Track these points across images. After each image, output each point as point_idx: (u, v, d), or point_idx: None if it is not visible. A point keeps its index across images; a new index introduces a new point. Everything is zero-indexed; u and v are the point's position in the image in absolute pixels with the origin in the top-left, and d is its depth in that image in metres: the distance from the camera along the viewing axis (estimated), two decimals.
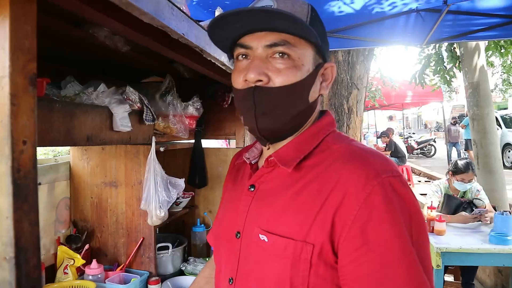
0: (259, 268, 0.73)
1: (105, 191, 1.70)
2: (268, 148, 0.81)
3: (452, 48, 5.55)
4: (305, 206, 0.70)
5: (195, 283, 1.05)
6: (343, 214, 0.65)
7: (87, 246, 1.68)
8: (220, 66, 1.28)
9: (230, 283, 0.79)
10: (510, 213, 2.96)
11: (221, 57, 1.23)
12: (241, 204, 0.81)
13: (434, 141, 14.57)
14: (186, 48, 1.18)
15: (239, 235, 0.79)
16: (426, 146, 14.56)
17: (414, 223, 0.65)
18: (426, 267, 0.64)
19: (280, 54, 0.71)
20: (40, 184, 1.54)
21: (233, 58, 0.80)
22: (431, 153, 14.57)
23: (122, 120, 1.24)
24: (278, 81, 0.71)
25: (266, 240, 0.72)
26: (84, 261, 1.57)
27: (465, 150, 11.24)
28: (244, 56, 0.75)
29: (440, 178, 3.91)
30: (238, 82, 0.74)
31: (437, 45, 5.70)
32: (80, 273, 1.61)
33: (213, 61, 1.20)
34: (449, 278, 3.81)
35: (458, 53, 5.36)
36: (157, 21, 0.78)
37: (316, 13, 0.76)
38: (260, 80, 0.70)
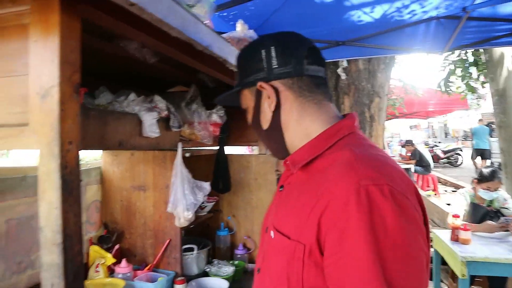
0: (269, 262, 0.82)
1: (134, 194, 1.80)
2: None
3: (477, 54, 5.48)
4: (303, 207, 0.75)
5: None
6: (327, 219, 0.68)
7: (117, 246, 1.77)
8: None
9: (258, 272, 0.89)
10: None
11: None
12: (273, 203, 0.92)
13: (461, 150, 14.22)
14: (210, 59, 1.26)
15: (267, 230, 0.88)
16: (453, 155, 14.21)
17: (388, 235, 0.63)
18: (394, 279, 0.62)
19: None
20: (81, 181, 1.66)
21: None
22: (458, 163, 14.21)
23: (150, 127, 1.33)
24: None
25: (273, 237, 0.80)
26: (114, 260, 1.66)
27: (471, 158, 11.23)
28: None
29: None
30: None
31: (464, 52, 5.64)
32: (110, 272, 1.70)
33: (235, 70, 1.27)
34: None
35: (483, 60, 5.29)
36: (183, 35, 0.86)
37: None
38: None
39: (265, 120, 0.87)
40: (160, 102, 1.42)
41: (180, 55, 1.14)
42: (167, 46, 1.03)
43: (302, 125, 0.84)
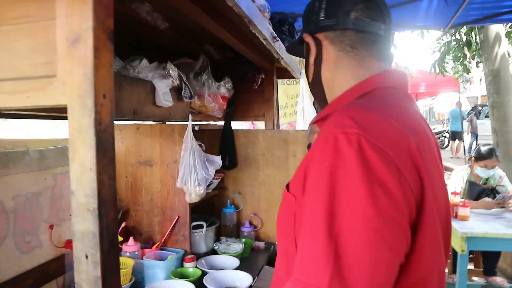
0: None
1: (140, 170, 1.72)
2: None
3: (471, 34, 5.47)
4: (302, 161, 0.74)
5: None
6: (308, 168, 0.67)
7: (123, 224, 1.70)
8: (262, 40, 1.28)
9: None
10: None
11: (264, 30, 1.23)
12: None
13: (448, 133, 14.41)
14: (229, 22, 1.18)
15: None
16: (440, 137, 14.39)
17: (345, 188, 0.58)
18: (341, 237, 0.56)
19: None
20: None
21: None
22: (444, 145, 14.41)
23: (164, 95, 1.25)
24: None
25: (280, 192, 0.80)
26: (121, 238, 1.60)
27: (452, 140, 11.67)
28: None
29: (453, 169, 3.88)
30: None
31: (457, 32, 5.62)
32: None
33: (257, 34, 1.20)
34: (469, 266, 3.79)
35: (478, 40, 5.28)
36: None
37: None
38: None
39: (309, 72, 0.86)
40: (172, 70, 1.33)
41: (201, 15, 1.05)
42: (190, 1, 0.94)
43: (336, 80, 0.81)
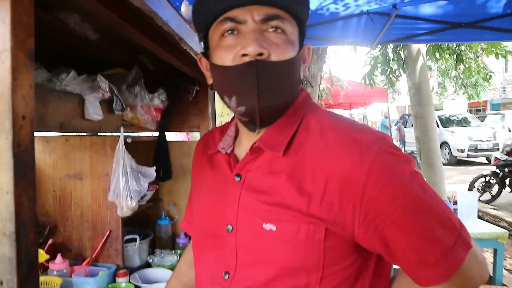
0: (268, 257, 0.70)
1: (69, 184, 1.65)
2: (258, 133, 0.76)
3: (397, 50, 5.93)
4: (307, 189, 0.67)
5: (178, 269, 1.06)
6: (349, 194, 0.64)
7: (50, 241, 1.62)
8: (194, 56, 1.30)
9: (226, 277, 0.74)
10: (449, 202, 3.26)
11: (195, 46, 1.25)
12: (228, 196, 0.76)
13: None
14: (161, 37, 1.19)
15: (231, 228, 0.74)
16: None
17: (416, 175, 0.67)
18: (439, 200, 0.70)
19: (274, 29, 0.69)
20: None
21: (205, 38, 0.79)
22: None
23: (94, 109, 1.23)
24: (276, 55, 0.68)
25: (275, 228, 0.69)
26: (48, 256, 1.52)
27: None
28: (230, 32, 0.70)
29: None
30: (229, 59, 0.69)
31: (384, 47, 6.06)
32: (43, 269, 1.55)
33: (188, 50, 1.22)
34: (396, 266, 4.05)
35: (402, 56, 5.74)
36: (146, 6, 0.80)
37: None
38: (261, 54, 0.66)
39: (300, 73, 0.82)
40: (103, 82, 1.31)
41: (133, 32, 1.05)
42: (123, 20, 0.94)
43: (297, 85, 0.79)
